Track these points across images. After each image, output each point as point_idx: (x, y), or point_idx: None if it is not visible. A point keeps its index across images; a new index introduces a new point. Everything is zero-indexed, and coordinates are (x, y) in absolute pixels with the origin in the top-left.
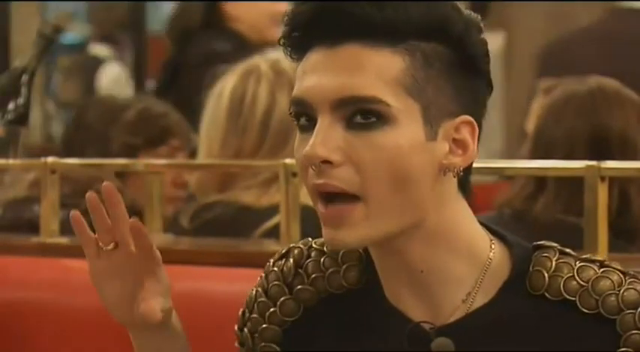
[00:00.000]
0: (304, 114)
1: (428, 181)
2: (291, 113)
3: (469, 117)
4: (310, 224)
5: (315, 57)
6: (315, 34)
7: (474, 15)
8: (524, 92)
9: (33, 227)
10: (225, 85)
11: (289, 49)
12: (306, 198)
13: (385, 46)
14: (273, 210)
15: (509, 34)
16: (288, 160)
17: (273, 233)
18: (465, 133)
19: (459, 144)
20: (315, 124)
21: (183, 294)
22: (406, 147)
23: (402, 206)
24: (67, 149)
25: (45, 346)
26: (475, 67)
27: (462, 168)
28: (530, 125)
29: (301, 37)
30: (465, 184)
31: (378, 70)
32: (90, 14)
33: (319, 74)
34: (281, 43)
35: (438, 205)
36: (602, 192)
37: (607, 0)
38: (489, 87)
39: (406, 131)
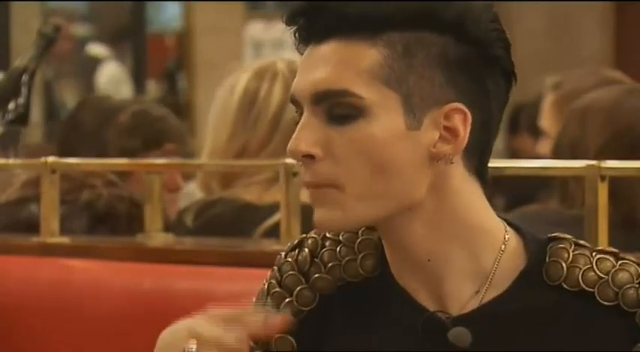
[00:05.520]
0: (299, 113)
1: (413, 168)
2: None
3: (458, 105)
4: (311, 223)
5: (305, 55)
6: (304, 33)
7: (482, 2)
8: (524, 92)
9: (30, 227)
10: (238, 81)
11: (298, 46)
12: (306, 197)
13: (362, 40)
14: (275, 207)
15: (509, 34)
16: (288, 160)
17: (275, 230)
18: (456, 121)
19: (450, 131)
20: None
21: (185, 294)
22: (382, 138)
23: (383, 192)
24: (62, 149)
25: (45, 346)
26: (480, 53)
27: (452, 156)
28: (545, 122)
29: (298, 36)
30: (480, 172)
31: (350, 63)
32: (91, 14)
33: (302, 71)
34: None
35: (436, 190)
36: (602, 192)
37: (607, 0)
38: (507, 74)
39: (382, 122)
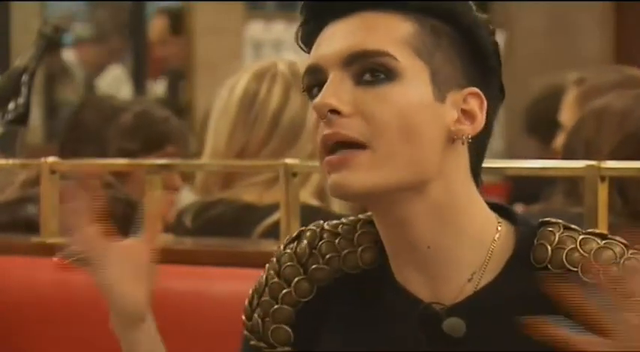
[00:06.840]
0: (316, 84)
1: (435, 142)
2: (304, 90)
3: (476, 89)
4: (310, 223)
5: (328, 31)
6: (329, 13)
7: (483, 16)
8: (524, 92)
9: (30, 227)
10: (239, 81)
11: (304, 38)
12: (305, 197)
13: (392, 15)
14: (275, 207)
15: (509, 34)
16: (288, 160)
17: (274, 230)
18: (473, 105)
19: (467, 114)
20: None
21: (184, 294)
22: (414, 103)
23: (407, 158)
24: (64, 148)
25: (45, 346)
26: (484, 61)
27: (470, 136)
28: (564, 117)
29: (316, 20)
30: (476, 172)
31: (387, 29)
32: (90, 15)
33: (331, 40)
34: (296, 34)
35: (445, 175)
36: (602, 192)
37: (607, 0)
38: (501, 89)
39: (414, 88)
